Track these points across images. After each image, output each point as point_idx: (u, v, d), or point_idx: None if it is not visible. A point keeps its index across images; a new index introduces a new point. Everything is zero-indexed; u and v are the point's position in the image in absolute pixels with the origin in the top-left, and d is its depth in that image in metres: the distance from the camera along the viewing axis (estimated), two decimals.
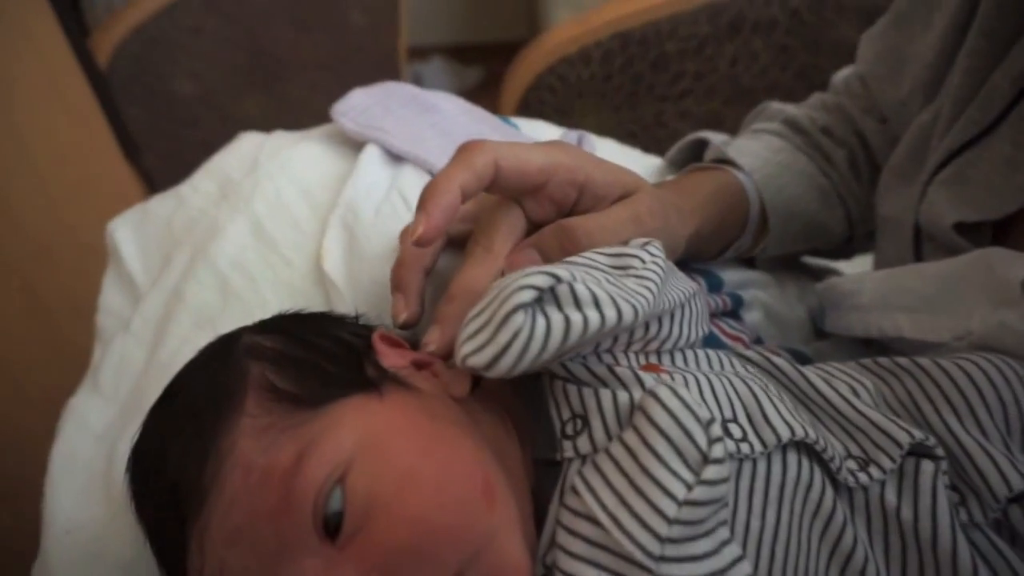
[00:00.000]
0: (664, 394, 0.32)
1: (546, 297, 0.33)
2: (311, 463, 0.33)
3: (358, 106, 0.60)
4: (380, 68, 1.86)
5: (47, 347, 1.04)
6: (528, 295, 0.32)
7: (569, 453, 0.35)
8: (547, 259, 0.40)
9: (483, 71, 2.56)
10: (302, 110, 1.71)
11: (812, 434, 0.34)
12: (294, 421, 0.35)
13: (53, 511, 0.44)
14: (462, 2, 2.66)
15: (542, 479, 0.36)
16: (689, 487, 0.30)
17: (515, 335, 0.31)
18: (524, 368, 0.32)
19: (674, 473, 0.30)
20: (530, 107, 1.10)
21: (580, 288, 0.33)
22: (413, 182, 0.56)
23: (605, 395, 0.35)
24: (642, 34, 1.09)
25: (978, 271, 0.40)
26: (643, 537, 0.30)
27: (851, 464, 0.35)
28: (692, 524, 0.30)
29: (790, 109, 0.63)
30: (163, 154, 1.38)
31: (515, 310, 0.31)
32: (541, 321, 0.32)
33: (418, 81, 2.48)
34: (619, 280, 0.35)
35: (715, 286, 0.51)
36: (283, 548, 0.32)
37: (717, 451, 0.31)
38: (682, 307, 0.39)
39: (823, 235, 0.59)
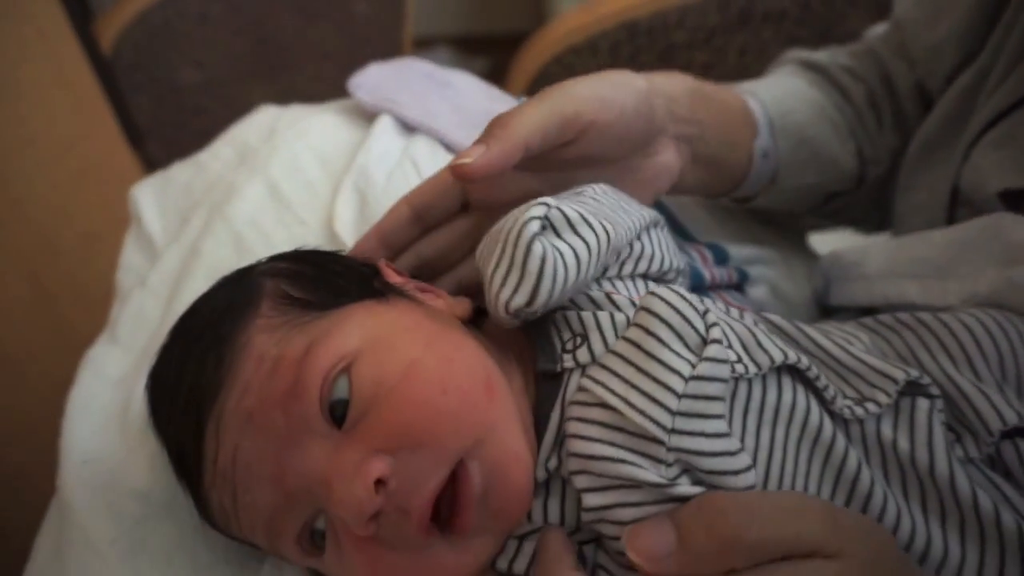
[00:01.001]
0: (661, 290, 0.34)
1: (546, 227, 0.36)
2: (319, 353, 0.35)
3: (373, 79, 0.63)
4: (385, 58, 1.85)
5: (49, 334, 1.05)
6: (535, 225, 0.35)
7: (569, 364, 0.37)
8: None
9: (489, 62, 2.56)
10: (307, 100, 1.71)
11: (805, 361, 0.36)
12: (305, 320, 0.37)
13: (70, 444, 0.46)
14: None
15: (543, 393, 0.37)
16: (693, 365, 0.32)
17: (543, 261, 0.34)
18: (559, 294, 0.35)
19: (677, 354, 0.33)
20: None
21: (567, 210, 0.36)
22: (425, 151, 0.59)
23: (603, 315, 0.37)
24: (650, 24, 1.09)
25: (986, 236, 0.41)
26: (654, 411, 0.32)
27: (847, 401, 0.36)
28: (700, 400, 0.32)
29: (810, 54, 0.64)
30: (167, 143, 1.39)
31: (532, 241, 0.34)
32: (554, 250, 0.35)
33: None
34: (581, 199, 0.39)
35: (721, 259, 0.52)
36: (292, 432, 0.35)
37: (715, 333, 0.33)
38: (652, 228, 0.42)
39: (833, 169, 0.59)
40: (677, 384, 0.32)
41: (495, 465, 0.34)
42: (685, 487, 0.32)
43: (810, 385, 0.36)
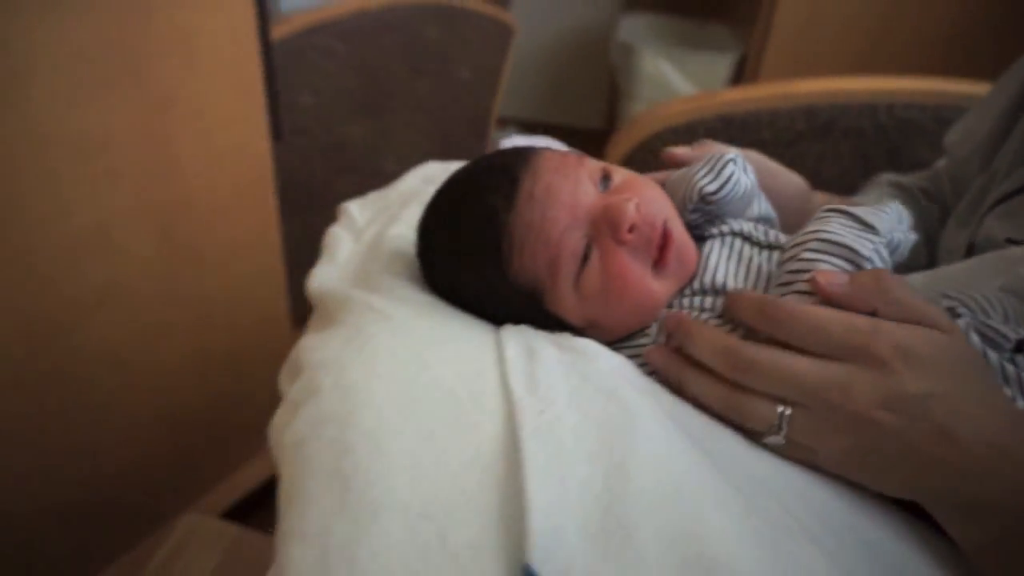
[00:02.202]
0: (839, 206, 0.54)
1: (735, 162, 0.58)
2: (587, 161, 0.58)
3: (514, 143, 0.94)
4: (471, 123, 2.03)
5: (167, 287, 1.14)
6: (730, 157, 0.58)
7: (715, 232, 0.57)
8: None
9: None
10: (400, 142, 1.87)
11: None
12: None
13: (315, 289, 0.63)
14: (548, 84, 2.89)
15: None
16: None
17: (732, 173, 0.57)
18: (734, 196, 0.57)
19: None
20: (633, 162, 1.25)
21: (741, 160, 0.58)
22: None
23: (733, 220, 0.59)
24: (743, 120, 1.26)
25: (994, 260, 0.59)
26: (878, 219, 0.50)
27: None
28: (884, 247, 0.51)
29: (897, 176, 0.85)
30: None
31: (728, 163, 0.57)
32: (738, 173, 0.58)
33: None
34: None
35: None
36: (581, 181, 0.55)
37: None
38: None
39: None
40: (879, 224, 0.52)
41: (678, 234, 0.55)
42: (871, 264, 0.48)
43: None
